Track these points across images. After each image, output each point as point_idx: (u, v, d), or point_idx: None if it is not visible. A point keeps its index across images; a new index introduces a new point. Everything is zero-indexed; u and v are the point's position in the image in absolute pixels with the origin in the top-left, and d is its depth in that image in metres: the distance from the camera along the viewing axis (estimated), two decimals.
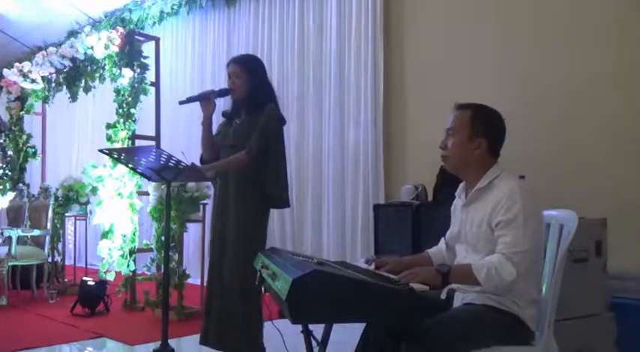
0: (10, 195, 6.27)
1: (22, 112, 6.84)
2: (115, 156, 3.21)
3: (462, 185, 2.18)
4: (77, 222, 6.19)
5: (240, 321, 2.87)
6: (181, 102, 3.02)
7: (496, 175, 2.03)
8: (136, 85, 5.14)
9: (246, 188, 2.92)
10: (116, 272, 4.99)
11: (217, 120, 3.16)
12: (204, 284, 3.84)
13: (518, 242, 1.86)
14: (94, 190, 5.18)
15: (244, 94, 2.97)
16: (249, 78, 2.97)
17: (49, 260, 5.54)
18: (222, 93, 3.02)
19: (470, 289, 1.95)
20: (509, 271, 1.84)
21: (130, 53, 5.18)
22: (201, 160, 3.06)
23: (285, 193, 3.00)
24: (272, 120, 2.93)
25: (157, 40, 5.47)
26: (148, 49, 5.34)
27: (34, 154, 6.92)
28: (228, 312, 2.89)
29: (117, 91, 5.20)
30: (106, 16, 7.71)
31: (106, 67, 5.47)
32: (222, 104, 3.21)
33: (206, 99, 2.98)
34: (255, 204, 2.93)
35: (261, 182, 2.91)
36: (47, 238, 5.50)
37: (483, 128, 2.05)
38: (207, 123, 3.03)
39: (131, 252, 4.97)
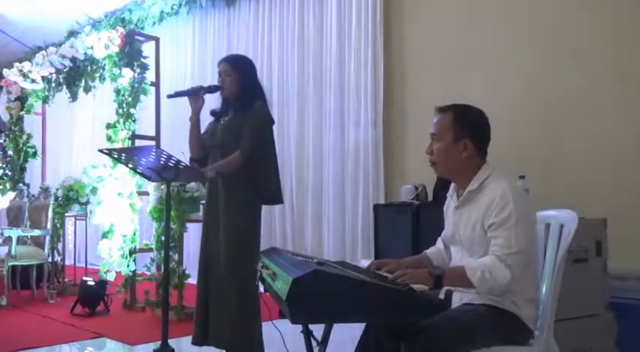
0: (10, 195, 6.28)
1: (22, 112, 6.86)
2: (115, 156, 3.21)
3: (452, 186, 2.16)
4: (77, 222, 6.18)
5: (237, 319, 2.86)
6: (169, 96, 3.04)
7: (487, 176, 2.00)
8: (136, 84, 5.14)
9: (238, 186, 2.93)
10: (116, 272, 4.99)
11: (209, 119, 3.16)
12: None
13: (511, 243, 1.85)
14: (94, 190, 5.18)
15: (234, 92, 2.99)
16: (239, 76, 2.99)
17: (49, 260, 5.54)
18: (211, 89, 3.03)
19: (467, 290, 1.95)
20: (504, 274, 1.82)
21: (129, 53, 5.18)
22: (191, 160, 3.06)
23: (279, 190, 3.05)
24: (262, 122, 2.95)
25: (157, 40, 5.48)
26: (148, 49, 5.35)
27: (34, 154, 6.93)
28: (224, 310, 2.88)
29: (117, 91, 5.20)
30: (106, 16, 7.73)
31: (106, 67, 5.48)
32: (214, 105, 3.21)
33: (195, 95, 3.00)
34: (247, 202, 2.94)
35: (255, 181, 2.94)
36: (47, 238, 5.50)
37: (467, 129, 2.01)
38: (195, 119, 3.04)
39: (131, 252, 4.97)
